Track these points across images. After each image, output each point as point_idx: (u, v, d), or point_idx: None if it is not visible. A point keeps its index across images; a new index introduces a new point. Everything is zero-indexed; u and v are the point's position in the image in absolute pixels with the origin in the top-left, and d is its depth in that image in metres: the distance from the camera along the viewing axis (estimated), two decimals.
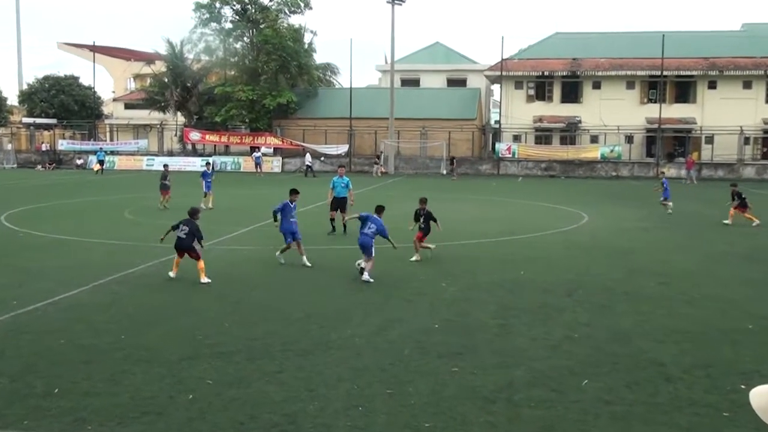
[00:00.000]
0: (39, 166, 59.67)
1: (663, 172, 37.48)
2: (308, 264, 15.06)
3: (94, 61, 70.76)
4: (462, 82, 70.26)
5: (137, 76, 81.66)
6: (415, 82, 71.31)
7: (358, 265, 14.16)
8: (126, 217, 24.44)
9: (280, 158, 59.16)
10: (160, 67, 69.67)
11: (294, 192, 15.85)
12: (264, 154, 56.99)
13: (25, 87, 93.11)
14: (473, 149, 59.85)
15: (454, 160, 52.96)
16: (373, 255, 13.95)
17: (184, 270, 14.63)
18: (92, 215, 25.37)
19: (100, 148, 58.76)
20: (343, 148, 58.42)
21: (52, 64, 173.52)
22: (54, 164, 61.98)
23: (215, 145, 63.79)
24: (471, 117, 60.22)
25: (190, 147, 64.50)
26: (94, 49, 73.67)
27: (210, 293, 12.57)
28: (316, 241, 19.02)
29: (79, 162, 62.04)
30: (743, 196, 24.08)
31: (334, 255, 16.93)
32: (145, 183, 43.43)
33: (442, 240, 19.38)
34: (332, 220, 20.98)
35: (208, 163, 33.50)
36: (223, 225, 22.31)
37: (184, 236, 14.06)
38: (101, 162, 54.34)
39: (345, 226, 20.35)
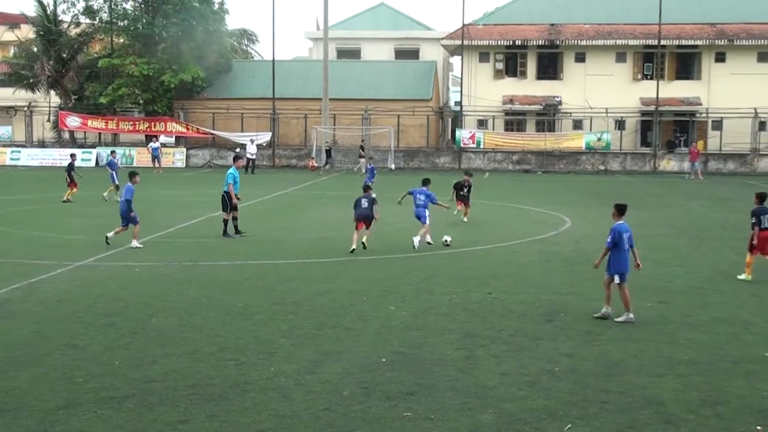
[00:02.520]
0: None
1: (366, 156, 38.20)
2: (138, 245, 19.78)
3: None
4: (414, 54, 70.75)
5: None
6: (355, 54, 71.48)
7: (445, 242, 20.53)
8: None
9: (184, 150, 58.56)
10: (27, 32, 68.30)
11: (134, 174, 20.80)
12: (163, 145, 56.36)
13: None
14: (428, 137, 60.24)
15: (363, 147, 54.72)
16: (427, 222, 20.43)
17: (59, 293, 14.43)
18: None
19: None
20: (264, 137, 58.04)
21: None
22: None
23: (100, 134, 62.76)
24: (425, 97, 60.67)
25: (67, 135, 63.35)
26: None
27: (95, 323, 12.41)
28: (233, 254, 18.94)
29: None
30: (469, 189, 26.05)
31: (252, 271, 16.85)
32: (10, 182, 42.55)
33: (389, 252, 19.49)
34: (226, 222, 22.29)
35: (113, 152, 37.43)
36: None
37: None
38: None
39: (235, 227, 22.19)
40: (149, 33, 59.59)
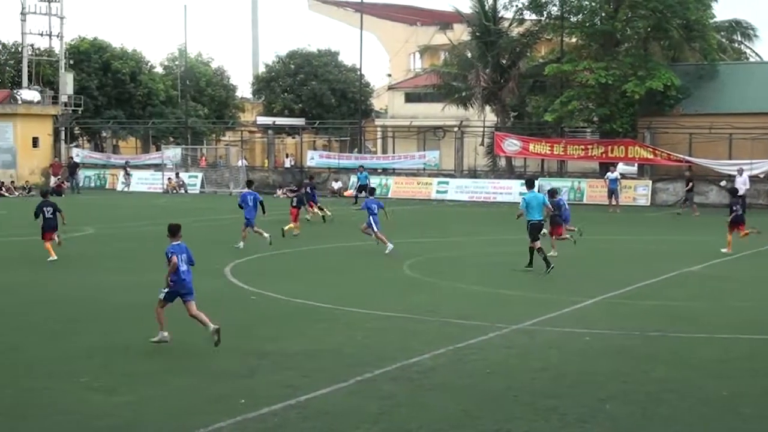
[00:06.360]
0: (279, 191, 63.82)
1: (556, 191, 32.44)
2: None
3: (361, 28, 74.53)
4: None
5: (426, 50, 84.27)
6: None
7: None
8: (406, 275, 25.84)
9: (649, 182, 57.97)
10: (460, 34, 71.68)
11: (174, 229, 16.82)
12: (622, 175, 56.07)
13: (261, 70, 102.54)
14: None
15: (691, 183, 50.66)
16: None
17: (490, 363, 15.10)
18: (354, 270, 27.27)
19: (360, 166, 60.08)
20: (762, 166, 55.56)
21: (301, 35, 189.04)
22: (298, 188, 65.79)
23: (543, 161, 64.30)
24: None
25: (503, 162, 65.57)
26: (362, 7, 77.50)
27: (534, 404, 12.80)
28: (716, 325, 18.61)
29: (336, 186, 65.67)
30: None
31: (745, 349, 16.43)
32: (438, 219, 45.27)
33: None
34: (531, 250, 25.90)
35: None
36: (556, 292, 22.67)
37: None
38: (363, 187, 56.00)
39: (546, 260, 25.25)
40: (609, 30, 60.01)
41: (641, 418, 12.34)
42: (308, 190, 42.40)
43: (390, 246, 29.25)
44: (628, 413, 12.54)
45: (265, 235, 30.81)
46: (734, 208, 30.74)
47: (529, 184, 27.83)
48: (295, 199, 36.74)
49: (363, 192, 55.15)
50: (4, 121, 73.51)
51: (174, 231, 16.35)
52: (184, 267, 15.96)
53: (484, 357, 15.71)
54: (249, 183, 35.37)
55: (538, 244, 25.79)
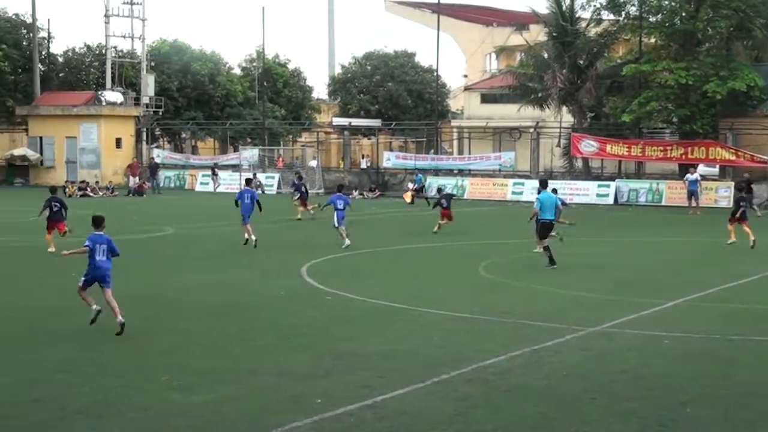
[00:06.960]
0: (354, 192, 64.59)
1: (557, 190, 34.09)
2: None
3: (438, 29, 74.78)
4: None
5: (502, 51, 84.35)
6: None
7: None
8: (482, 276, 25.78)
9: (731, 184, 56.80)
10: (536, 34, 71.49)
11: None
12: (703, 177, 55.35)
13: (338, 71, 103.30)
14: None
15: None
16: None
17: (566, 365, 14.97)
18: (429, 271, 27.16)
19: (416, 169, 63.24)
20: None
21: (378, 36, 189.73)
22: (377, 190, 66.45)
23: (620, 162, 63.81)
24: None
25: (579, 164, 65.16)
26: (439, 8, 77.73)
27: (612, 407, 12.69)
28: None
29: (411, 187, 65.83)
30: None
31: None
32: (513, 220, 45.11)
33: None
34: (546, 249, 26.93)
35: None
36: (634, 294, 22.47)
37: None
38: (419, 189, 58.02)
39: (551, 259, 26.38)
40: (690, 30, 59.28)
41: (723, 421, 12.18)
42: (303, 189, 44.15)
43: (347, 242, 30.79)
44: (709, 417, 12.39)
45: (252, 237, 31.38)
46: (741, 204, 33.55)
47: (543, 185, 28.64)
48: (444, 201, 37.00)
49: (421, 193, 57.94)
50: (89, 122, 75.10)
51: (98, 222, 17.69)
52: (102, 257, 17.34)
53: (561, 359, 15.62)
54: (248, 181, 36.51)
55: (545, 242, 26.99)
